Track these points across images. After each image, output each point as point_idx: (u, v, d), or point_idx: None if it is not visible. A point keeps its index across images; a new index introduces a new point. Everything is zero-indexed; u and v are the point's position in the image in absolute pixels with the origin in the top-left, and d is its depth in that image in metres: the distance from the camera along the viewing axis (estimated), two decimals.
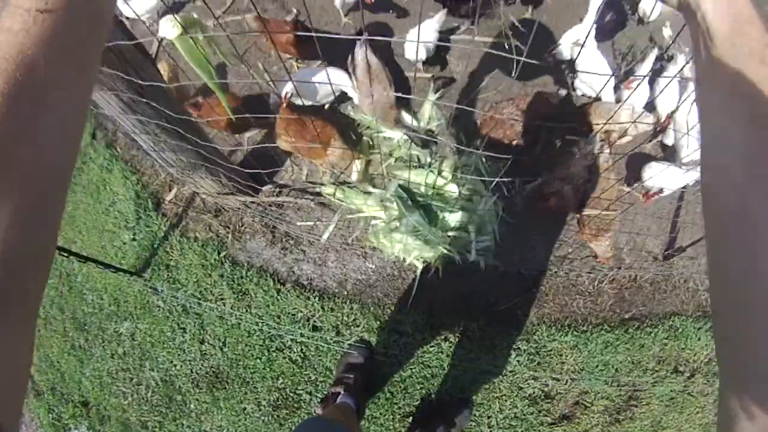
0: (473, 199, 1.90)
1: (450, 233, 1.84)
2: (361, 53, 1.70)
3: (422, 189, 1.90)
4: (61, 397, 2.32)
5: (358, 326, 1.90)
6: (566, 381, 1.90)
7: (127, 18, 1.99)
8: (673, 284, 2.00)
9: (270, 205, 1.99)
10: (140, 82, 1.16)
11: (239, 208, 2.02)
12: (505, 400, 1.90)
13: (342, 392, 1.63)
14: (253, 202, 1.93)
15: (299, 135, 1.76)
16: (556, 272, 1.95)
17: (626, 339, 1.94)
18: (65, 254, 1.82)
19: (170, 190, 2.15)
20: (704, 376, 1.97)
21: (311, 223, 1.99)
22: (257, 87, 2.18)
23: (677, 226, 1.98)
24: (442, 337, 1.89)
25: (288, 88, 1.76)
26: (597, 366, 1.92)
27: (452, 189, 1.87)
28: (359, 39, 1.72)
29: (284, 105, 1.73)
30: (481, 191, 1.90)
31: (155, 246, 2.12)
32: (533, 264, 1.95)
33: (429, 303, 1.92)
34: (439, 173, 1.87)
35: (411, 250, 1.85)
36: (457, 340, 1.89)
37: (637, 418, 1.92)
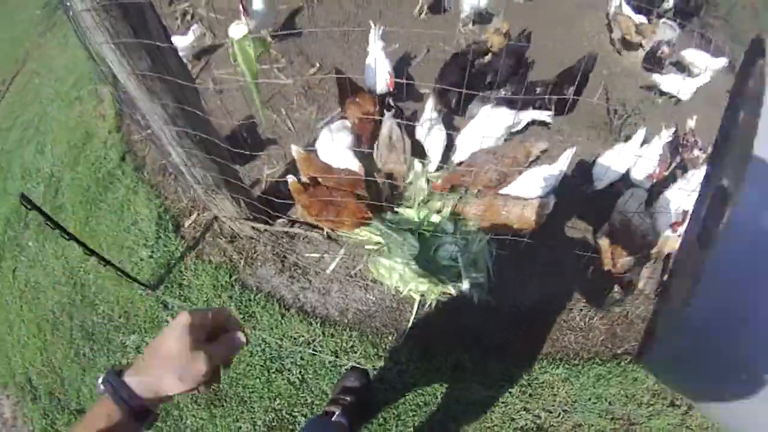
0: (468, 238, 2.09)
1: (443, 265, 2.02)
2: (387, 126, 2.00)
3: (416, 220, 2.11)
4: (58, 404, 2.39)
5: (355, 352, 2.04)
6: (559, 413, 1.98)
7: None
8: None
9: (282, 236, 2.17)
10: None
11: (253, 237, 2.20)
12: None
13: (337, 412, 1.74)
14: (266, 230, 2.11)
15: (321, 212, 1.98)
16: (547, 308, 2.08)
17: (618, 372, 2.00)
18: (88, 252, 1.97)
19: (190, 215, 2.33)
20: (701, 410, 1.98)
21: (318, 255, 2.16)
22: (279, 130, 2.43)
23: (667, 267, 2.10)
24: (436, 367, 2.01)
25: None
26: (590, 399, 1.99)
27: (447, 227, 2.07)
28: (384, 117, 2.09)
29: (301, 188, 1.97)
30: (475, 232, 2.10)
31: (171, 265, 2.28)
32: (525, 300, 2.09)
33: (424, 334, 2.06)
34: (438, 212, 2.09)
35: (408, 281, 2.02)
36: (450, 370, 2.01)
37: None
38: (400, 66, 2.62)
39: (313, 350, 2.06)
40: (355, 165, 2.05)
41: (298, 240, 2.17)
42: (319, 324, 2.09)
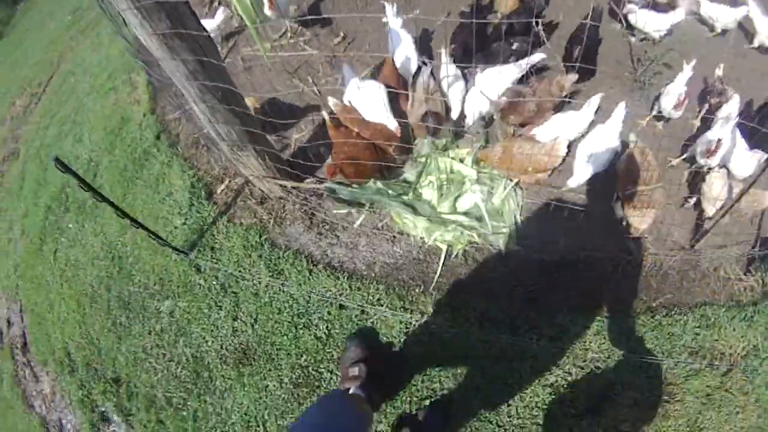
0: (492, 185, 2.10)
1: (465, 217, 2.02)
2: (426, 73, 2.11)
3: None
4: (95, 374, 2.44)
5: (382, 305, 2.03)
6: (590, 370, 1.89)
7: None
8: (701, 273, 1.99)
9: (311, 194, 2.22)
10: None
11: (282, 197, 2.27)
12: (526, 388, 1.91)
13: (351, 388, 1.72)
14: (294, 188, 2.17)
15: (362, 128, 2.03)
16: (577, 259, 2.02)
17: (653, 326, 1.90)
18: (121, 215, 2.03)
19: (222, 182, 2.43)
20: (742, 372, 1.84)
21: (345, 211, 2.20)
22: (306, 98, 2.53)
23: (703, 216, 2.01)
24: (464, 318, 1.98)
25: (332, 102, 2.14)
26: (623, 355, 1.91)
27: (469, 173, 2.09)
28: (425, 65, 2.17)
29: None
30: (499, 177, 2.10)
31: (204, 230, 2.36)
32: (555, 250, 2.04)
33: (452, 285, 2.04)
34: (461, 160, 2.11)
35: (432, 231, 2.02)
36: (478, 322, 1.97)
37: (670, 416, 1.83)
38: (425, 36, 2.70)
39: (340, 304, 2.07)
40: (392, 123, 2.11)
41: (326, 198, 2.22)
42: (346, 278, 2.10)
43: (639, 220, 1.93)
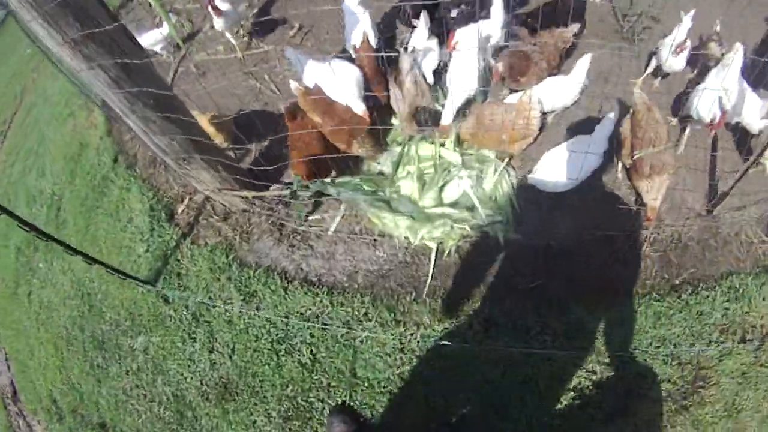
0: (482, 167, 1.80)
1: (454, 209, 1.73)
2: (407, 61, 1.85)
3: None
4: (82, 420, 2.28)
5: (370, 320, 1.77)
6: (616, 365, 1.64)
7: None
8: (723, 239, 1.76)
9: (277, 203, 1.97)
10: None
11: (246, 210, 2.01)
12: (545, 396, 1.65)
13: None
14: (256, 197, 1.91)
15: (327, 114, 1.78)
16: (586, 241, 1.75)
17: (680, 307, 1.67)
18: (89, 261, 1.87)
19: (182, 201, 2.19)
20: None
21: (318, 216, 1.94)
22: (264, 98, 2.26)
23: (716, 175, 1.79)
24: (465, 324, 1.71)
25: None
26: (651, 343, 1.65)
27: (453, 158, 1.80)
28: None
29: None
30: (489, 158, 1.81)
31: (167, 256, 2.13)
32: (560, 234, 1.77)
33: (448, 288, 1.77)
34: (441, 144, 1.81)
35: (417, 229, 1.74)
36: (481, 328, 1.70)
37: (707, 402, 1.61)
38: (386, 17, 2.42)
39: (323, 324, 1.82)
40: (359, 107, 1.83)
41: (294, 205, 1.96)
42: (326, 294, 1.85)
43: (653, 189, 1.65)
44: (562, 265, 1.76)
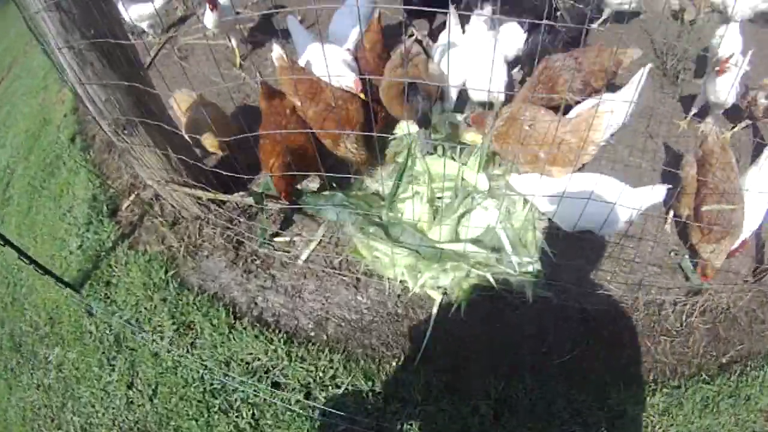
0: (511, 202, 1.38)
1: (473, 246, 1.29)
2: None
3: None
4: None
5: (338, 387, 1.34)
6: None
7: None
8: None
9: (238, 214, 1.56)
10: None
11: (200, 218, 1.62)
12: None
13: None
14: (214, 201, 1.51)
15: (311, 97, 1.44)
16: (626, 304, 1.41)
17: (729, 391, 1.40)
18: (24, 260, 1.49)
19: (130, 195, 1.81)
20: None
21: (287, 238, 1.53)
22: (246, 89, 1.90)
23: (761, 238, 1.56)
24: (470, 406, 1.30)
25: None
26: None
27: (481, 182, 1.38)
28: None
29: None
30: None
31: (100, 257, 1.75)
32: (598, 295, 1.39)
33: (450, 355, 1.35)
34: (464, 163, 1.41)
35: (420, 271, 1.31)
36: (492, 411, 1.29)
37: None
38: None
39: (274, 383, 1.39)
40: (350, 78, 1.49)
41: (259, 218, 1.56)
42: (283, 342, 1.43)
43: (722, 253, 1.37)
44: (600, 334, 1.39)
